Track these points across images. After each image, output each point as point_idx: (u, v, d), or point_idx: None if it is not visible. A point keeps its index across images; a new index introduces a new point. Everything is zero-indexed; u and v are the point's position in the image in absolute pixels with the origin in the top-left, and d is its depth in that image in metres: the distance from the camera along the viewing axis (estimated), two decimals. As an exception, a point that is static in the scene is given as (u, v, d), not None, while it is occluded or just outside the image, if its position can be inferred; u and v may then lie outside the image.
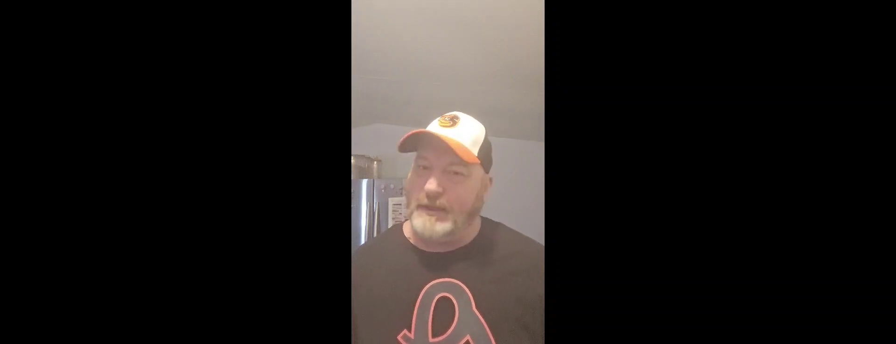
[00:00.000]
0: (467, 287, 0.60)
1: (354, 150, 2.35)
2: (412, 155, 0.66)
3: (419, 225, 0.61)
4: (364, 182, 2.17)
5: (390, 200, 2.14)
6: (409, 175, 0.66)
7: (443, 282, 0.61)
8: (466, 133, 0.63)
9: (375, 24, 1.42)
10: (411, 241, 0.68)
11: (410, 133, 0.60)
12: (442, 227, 0.61)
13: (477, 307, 0.59)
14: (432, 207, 0.61)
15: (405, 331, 0.59)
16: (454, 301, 0.60)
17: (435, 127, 0.63)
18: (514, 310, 0.59)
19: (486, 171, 0.67)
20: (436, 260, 0.64)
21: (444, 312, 0.59)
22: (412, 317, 0.60)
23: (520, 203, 2.12)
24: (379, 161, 2.57)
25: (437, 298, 0.60)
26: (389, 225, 2.09)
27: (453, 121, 0.63)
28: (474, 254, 0.65)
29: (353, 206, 2.14)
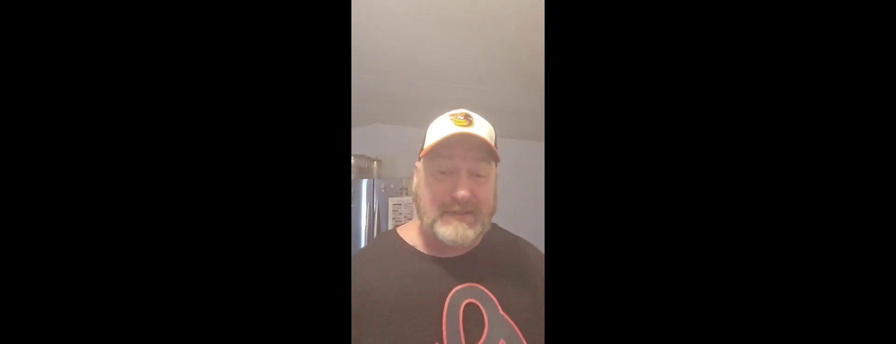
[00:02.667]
0: (489, 290, 0.59)
1: (354, 150, 2.35)
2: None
3: (450, 233, 0.58)
4: (364, 182, 2.17)
5: (390, 200, 2.14)
6: (425, 181, 0.62)
7: (466, 287, 0.59)
8: (484, 130, 0.60)
9: (375, 24, 1.42)
10: (418, 248, 0.64)
11: (444, 137, 0.57)
12: (473, 232, 0.59)
13: (504, 310, 0.57)
14: (462, 212, 0.58)
15: (436, 343, 0.55)
16: (480, 306, 0.57)
17: (452, 126, 0.59)
18: (538, 310, 0.58)
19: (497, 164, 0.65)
20: (451, 265, 0.61)
21: (473, 319, 0.56)
22: (442, 328, 0.55)
23: (520, 203, 2.12)
24: (379, 161, 2.57)
25: (463, 304, 0.57)
26: (389, 225, 2.09)
27: (468, 119, 0.60)
28: (484, 257, 0.63)
29: (353, 206, 2.13)
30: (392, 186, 2.16)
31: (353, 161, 2.37)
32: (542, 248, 0.64)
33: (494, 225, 0.69)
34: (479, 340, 0.55)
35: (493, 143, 0.60)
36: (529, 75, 1.74)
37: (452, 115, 0.61)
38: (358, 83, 1.90)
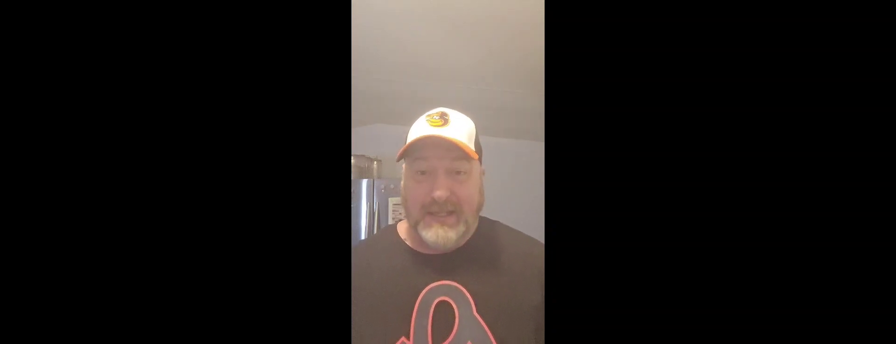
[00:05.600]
0: (467, 290, 0.58)
1: (354, 150, 2.35)
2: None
3: (432, 236, 0.59)
4: (364, 182, 2.17)
5: (390, 200, 2.14)
6: (406, 183, 0.63)
7: (441, 285, 0.59)
8: (460, 129, 0.60)
9: (375, 24, 1.42)
10: (407, 242, 0.65)
11: (413, 141, 0.58)
12: (455, 233, 0.59)
13: (478, 311, 0.57)
14: (442, 212, 0.59)
15: (403, 338, 0.56)
16: (454, 305, 0.57)
17: (426, 127, 0.60)
18: (519, 314, 0.57)
19: (480, 162, 0.65)
20: (433, 262, 0.61)
21: (443, 318, 0.56)
22: (410, 323, 0.56)
23: (520, 203, 2.12)
24: (379, 161, 2.57)
25: (435, 302, 0.57)
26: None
27: (444, 118, 0.60)
28: (473, 254, 0.62)
29: (353, 206, 2.14)
30: (392, 186, 2.16)
31: (353, 161, 2.37)
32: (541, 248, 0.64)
33: (498, 223, 0.69)
34: (445, 339, 0.56)
35: (470, 142, 0.60)
36: (529, 75, 1.74)
37: (429, 115, 0.61)
38: (358, 83, 1.90)
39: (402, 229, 0.68)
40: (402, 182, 0.65)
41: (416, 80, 1.96)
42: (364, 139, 2.55)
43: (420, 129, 0.60)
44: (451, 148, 0.58)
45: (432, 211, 0.59)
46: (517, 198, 2.25)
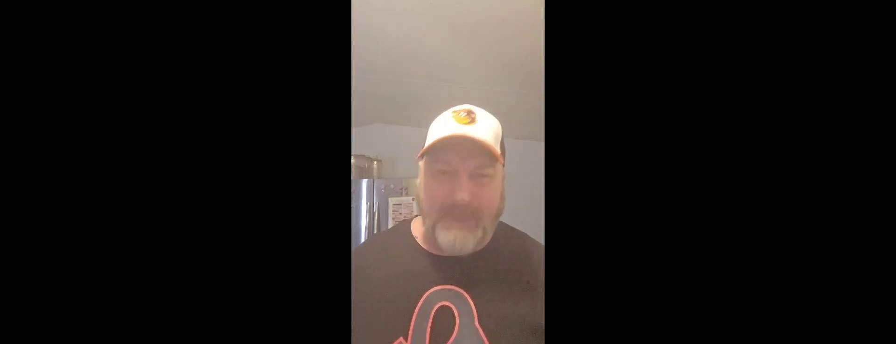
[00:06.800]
0: (471, 299, 0.56)
1: (354, 150, 2.35)
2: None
3: (449, 239, 0.56)
4: (364, 182, 2.17)
5: (390, 200, 2.14)
6: (425, 182, 0.59)
7: (445, 289, 0.57)
8: (487, 129, 0.56)
9: (375, 24, 1.42)
10: (418, 241, 0.63)
11: (440, 138, 0.54)
12: (473, 237, 0.56)
13: (480, 322, 0.55)
14: (463, 216, 0.56)
15: (401, 339, 0.55)
16: (455, 312, 0.55)
17: (453, 124, 0.56)
18: (521, 329, 0.55)
19: (503, 166, 0.61)
20: (442, 264, 0.59)
21: (443, 323, 0.55)
22: (410, 324, 0.55)
23: (520, 203, 2.12)
24: (379, 161, 2.57)
25: (437, 306, 0.56)
26: (389, 225, 2.09)
27: (471, 116, 0.56)
28: (485, 262, 0.60)
29: (353, 206, 2.14)
30: (392, 186, 2.16)
31: (353, 161, 2.37)
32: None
33: (512, 228, 0.67)
34: None
35: (497, 142, 0.57)
36: (529, 75, 1.75)
37: (455, 111, 0.58)
38: (358, 83, 1.90)
39: (416, 228, 0.66)
40: (418, 180, 0.62)
41: (415, 80, 1.96)
42: (364, 139, 2.55)
43: (446, 126, 0.56)
44: (477, 150, 0.55)
45: (452, 214, 0.56)
46: (517, 198, 2.25)
